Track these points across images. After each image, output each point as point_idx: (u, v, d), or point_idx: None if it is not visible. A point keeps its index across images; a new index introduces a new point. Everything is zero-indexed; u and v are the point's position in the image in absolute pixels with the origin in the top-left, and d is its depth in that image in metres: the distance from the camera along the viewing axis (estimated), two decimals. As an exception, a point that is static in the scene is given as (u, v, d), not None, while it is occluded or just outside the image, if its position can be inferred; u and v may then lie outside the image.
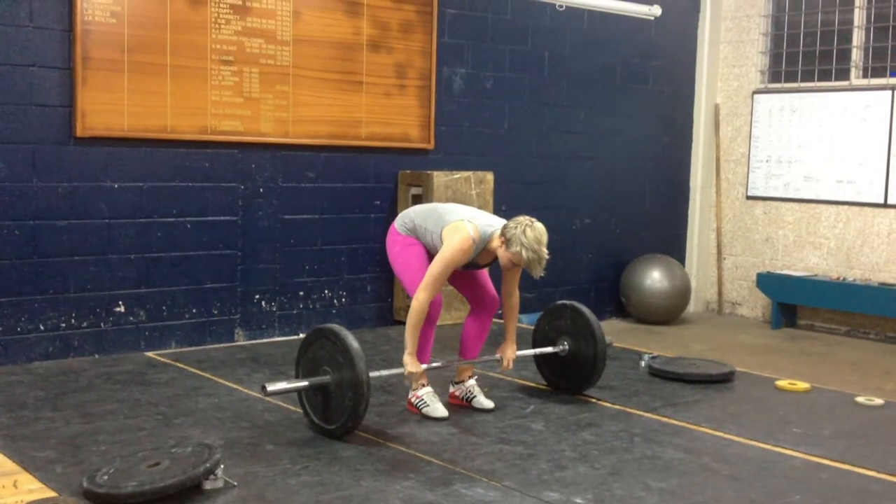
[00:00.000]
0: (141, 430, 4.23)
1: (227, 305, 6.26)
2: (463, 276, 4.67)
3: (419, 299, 4.34)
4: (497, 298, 4.70)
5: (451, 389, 4.80)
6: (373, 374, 4.18)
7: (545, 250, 4.29)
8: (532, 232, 4.26)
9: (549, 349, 5.07)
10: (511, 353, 4.77)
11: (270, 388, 4.15)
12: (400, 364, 4.48)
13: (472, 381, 4.77)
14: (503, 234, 4.33)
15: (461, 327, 4.83)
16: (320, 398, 4.23)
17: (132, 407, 4.60)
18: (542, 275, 4.38)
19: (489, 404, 4.71)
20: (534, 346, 5.17)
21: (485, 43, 7.38)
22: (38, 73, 5.44)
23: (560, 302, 5.18)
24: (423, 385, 4.58)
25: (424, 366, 4.48)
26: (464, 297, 4.83)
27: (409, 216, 4.66)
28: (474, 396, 4.73)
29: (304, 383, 4.24)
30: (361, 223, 6.82)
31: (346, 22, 6.54)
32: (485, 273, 4.73)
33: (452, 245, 4.34)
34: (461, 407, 4.72)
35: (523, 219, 4.32)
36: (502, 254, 4.35)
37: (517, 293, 4.72)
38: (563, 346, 5.02)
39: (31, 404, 4.61)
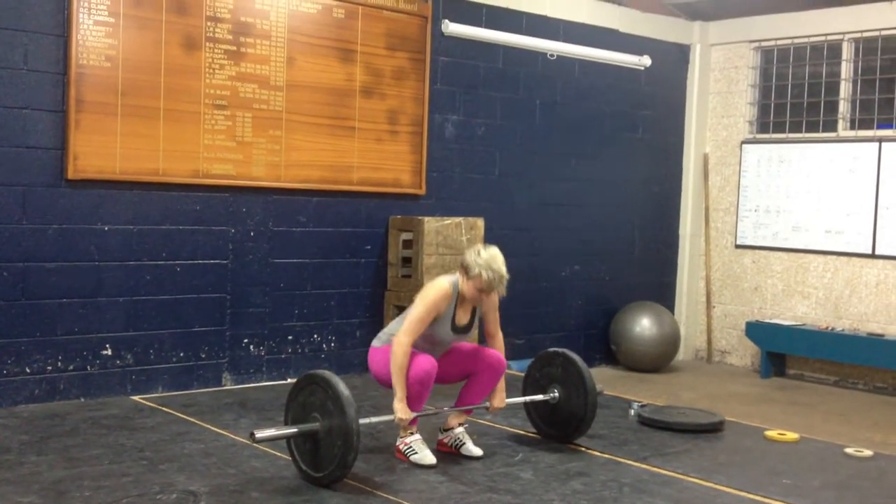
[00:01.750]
0: (126, 475, 4.18)
1: (215, 349, 6.23)
2: (460, 353, 4.69)
3: (401, 342, 4.38)
4: (504, 360, 4.71)
5: (440, 437, 4.77)
6: (362, 420, 4.15)
7: (503, 268, 4.45)
8: (485, 253, 4.45)
9: (540, 397, 5.05)
10: (499, 401, 4.76)
11: (259, 434, 4.11)
12: (389, 410, 4.45)
13: (461, 429, 4.75)
14: (461, 265, 4.48)
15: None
16: (309, 445, 4.19)
17: (117, 452, 4.55)
18: (505, 294, 4.51)
19: (478, 452, 4.68)
20: (524, 393, 5.15)
21: (477, 90, 7.45)
22: (31, 116, 5.46)
23: (551, 349, 5.18)
24: (412, 433, 4.56)
25: (414, 413, 4.46)
26: (473, 371, 4.77)
27: (384, 331, 4.74)
28: (463, 444, 4.70)
29: (294, 430, 4.20)
30: (352, 268, 6.83)
31: (340, 68, 6.60)
32: (471, 348, 4.76)
33: (432, 288, 4.48)
34: (449, 454, 4.69)
35: (476, 246, 4.52)
36: (467, 286, 4.46)
37: (500, 335, 4.77)
38: (554, 394, 5.01)
39: (16, 448, 4.56)
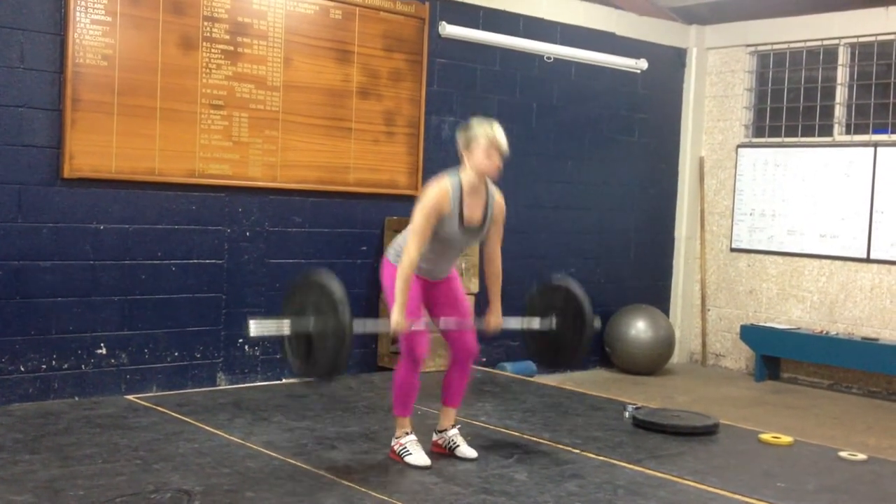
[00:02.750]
0: (120, 474, 4.17)
1: (210, 349, 6.23)
2: (455, 303, 4.61)
3: (409, 255, 4.29)
4: (477, 350, 4.69)
5: (434, 438, 4.77)
6: (356, 328, 4.13)
7: (497, 124, 4.47)
8: (474, 122, 4.44)
9: (537, 323, 4.99)
10: (496, 320, 4.72)
11: (254, 330, 4.14)
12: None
13: (454, 430, 4.74)
14: (460, 147, 4.44)
15: (442, 375, 4.82)
16: (303, 345, 4.20)
17: (111, 451, 4.54)
18: (507, 152, 4.50)
19: (472, 453, 4.68)
20: (523, 315, 5.09)
21: (473, 92, 7.45)
22: (27, 115, 5.45)
23: (556, 280, 5.15)
24: (407, 433, 4.55)
25: (412, 322, 4.35)
26: (446, 344, 4.78)
27: (398, 241, 4.58)
28: (457, 445, 4.70)
29: (287, 330, 4.20)
30: (348, 269, 6.82)
31: (337, 69, 6.60)
32: (468, 315, 4.69)
33: (428, 192, 4.39)
34: (444, 455, 4.68)
35: (460, 129, 4.51)
36: (475, 160, 4.39)
37: (499, 257, 4.69)
38: (551, 322, 4.99)
39: (9, 447, 4.54)
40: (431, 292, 4.58)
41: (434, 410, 5.00)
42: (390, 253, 4.61)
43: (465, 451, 4.68)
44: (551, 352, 5.06)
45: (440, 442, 4.73)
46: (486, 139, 4.38)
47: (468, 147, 4.41)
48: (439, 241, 4.43)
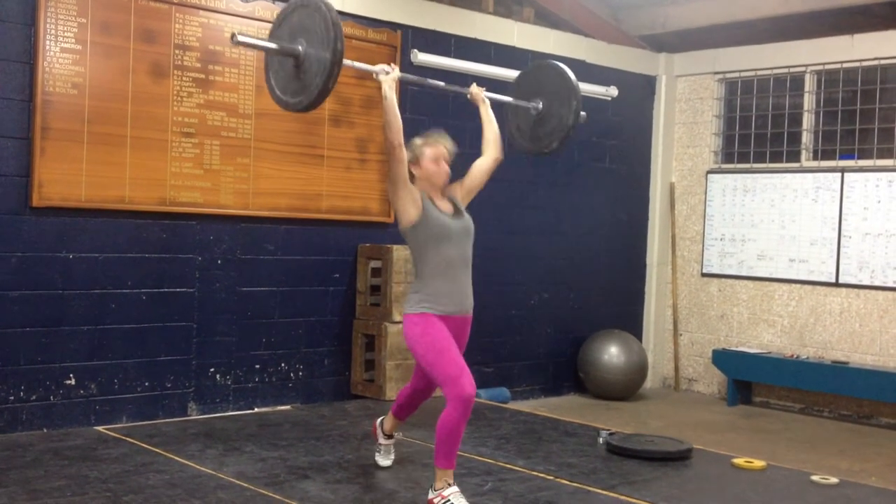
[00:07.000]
0: (88, 507, 4.12)
1: (181, 378, 6.17)
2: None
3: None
4: (430, 393, 4.68)
5: (381, 439, 4.90)
6: (346, 62, 4.08)
7: (440, 132, 4.51)
8: (415, 139, 4.46)
9: (524, 103, 5.03)
10: (479, 91, 4.84)
11: (241, 38, 4.07)
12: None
13: (392, 440, 4.90)
14: (409, 165, 4.39)
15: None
16: (288, 68, 4.14)
17: (80, 483, 4.48)
18: (454, 150, 4.52)
19: (386, 463, 4.88)
20: (512, 95, 5.11)
21: (446, 120, 7.45)
22: (-5, 142, 5.41)
23: (554, 64, 5.10)
24: (450, 484, 4.17)
25: (396, 69, 4.39)
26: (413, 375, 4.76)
27: (409, 294, 4.46)
28: (379, 451, 4.89)
29: (275, 46, 4.13)
30: (320, 296, 6.80)
31: (309, 97, 6.59)
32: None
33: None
34: (420, 484, 4.64)
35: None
36: (424, 167, 4.40)
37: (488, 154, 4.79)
38: (537, 105, 5.00)
39: (-25, 480, 4.47)
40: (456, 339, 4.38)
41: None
42: (407, 304, 4.42)
43: (380, 459, 4.89)
44: (535, 137, 5.07)
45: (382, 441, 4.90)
46: (429, 141, 4.45)
47: (414, 158, 4.42)
48: (438, 237, 4.35)
